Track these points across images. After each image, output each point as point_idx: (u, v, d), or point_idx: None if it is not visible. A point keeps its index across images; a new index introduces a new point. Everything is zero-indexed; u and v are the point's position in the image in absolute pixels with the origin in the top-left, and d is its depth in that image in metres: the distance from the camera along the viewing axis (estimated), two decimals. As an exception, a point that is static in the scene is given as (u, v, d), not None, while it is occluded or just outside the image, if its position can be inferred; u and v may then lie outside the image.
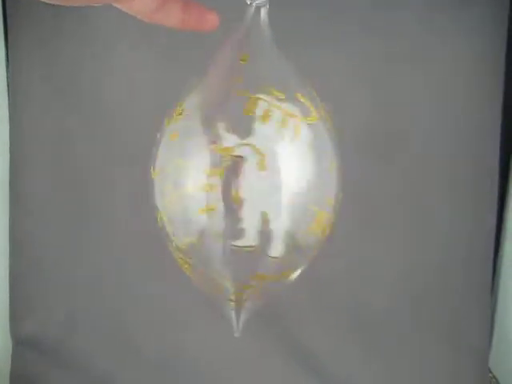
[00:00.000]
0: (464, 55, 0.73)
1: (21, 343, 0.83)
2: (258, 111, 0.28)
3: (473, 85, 0.74)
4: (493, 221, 0.77)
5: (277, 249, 0.29)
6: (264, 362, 0.81)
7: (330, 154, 0.31)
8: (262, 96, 0.28)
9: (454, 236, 0.78)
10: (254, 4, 0.31)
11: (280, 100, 0.29)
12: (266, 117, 0.28)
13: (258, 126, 0.28)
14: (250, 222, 0.28)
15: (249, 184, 0.28)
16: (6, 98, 0.79)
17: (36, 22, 0.74)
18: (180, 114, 0.31)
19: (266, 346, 0.81)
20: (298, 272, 0.34)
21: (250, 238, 0.29)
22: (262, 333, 0.79)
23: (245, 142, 0.28)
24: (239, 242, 0.29)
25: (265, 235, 0.29)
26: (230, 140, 0.28)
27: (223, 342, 0.73)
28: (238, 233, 0.29)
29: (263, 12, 0.31)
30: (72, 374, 0.82)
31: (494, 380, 0.81)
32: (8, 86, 0.78)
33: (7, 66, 0.78)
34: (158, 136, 0.33)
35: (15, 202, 0.80)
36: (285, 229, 0.29)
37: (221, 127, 0.28)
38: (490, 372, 0.82)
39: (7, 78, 0.78)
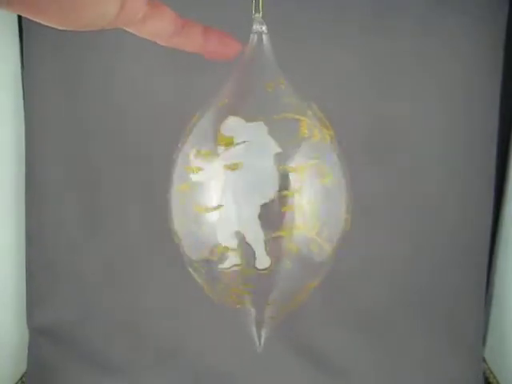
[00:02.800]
0: (463, 57, 0.74)
1: (37, 332, 0.85)
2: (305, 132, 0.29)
3: (471, 85, 0.75)
4: (489, 220, 0.79)
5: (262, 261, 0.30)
6: (274, 361, 0.82)
7: (337, 175, 0.31)
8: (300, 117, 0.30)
9: (452, 236, 0.80)
10: (256, 31, 0.31)
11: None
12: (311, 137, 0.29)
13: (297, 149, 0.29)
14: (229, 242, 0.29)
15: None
16: (21, 95, 0.80)
17: (49, 27, 0.76)
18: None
19: (270, 341, 0.82)
20: (312, 286, 0.34)
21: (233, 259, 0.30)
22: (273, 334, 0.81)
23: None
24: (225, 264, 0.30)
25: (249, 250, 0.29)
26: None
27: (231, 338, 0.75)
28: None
29: (265, 38, 0.32)
30: (86, 360, 0.85)
31: (488, 371, 0.84)
32: (23, 84, 0.80)
33: (22, 67, 0.80)
34: (174, 157, 0.33)
35: (31, 196, 0.83)
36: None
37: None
38: (485, 362, 0.85)
39: (22, 76, 0.80)
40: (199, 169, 0.29)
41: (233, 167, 0.28)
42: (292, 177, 0.28)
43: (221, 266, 0.30)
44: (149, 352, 0.85)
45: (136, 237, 0.82)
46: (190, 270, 0.34)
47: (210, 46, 0.28)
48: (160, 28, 0.26)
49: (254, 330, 0.33)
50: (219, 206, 0.29)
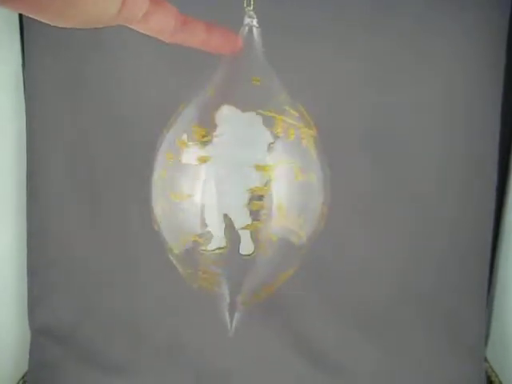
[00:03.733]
0: (464, 56, 0.74)
1: (38, 332, 0.86)
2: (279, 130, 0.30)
3: (472, 85, 0.75)
4: (490, 219, 0.79)
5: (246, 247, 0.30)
6: (266, 354, 0.83)
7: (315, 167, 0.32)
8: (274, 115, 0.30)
9: (453, 235, 0.80)
10: (247, 24, 0.32)
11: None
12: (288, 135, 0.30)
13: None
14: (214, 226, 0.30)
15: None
16: (23, 96, 0.81)
17: (51, 27, 0.76)
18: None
19: (268, 338, 0.83)
20: (289, 273, 0.35)
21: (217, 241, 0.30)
22: (264, 326, 0.81)
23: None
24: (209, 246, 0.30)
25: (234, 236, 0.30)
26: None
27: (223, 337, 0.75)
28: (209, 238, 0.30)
29: (256, 32, 0.32)
30: (87, 360, 0.85)
31: (490, 369, 0.84)
32: (24, 85, 0.80)
33: (23, 67, 0.80)
34: (158, 143, 0.34)
35: (32, 198, 0.83)
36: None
37: None
38: (487, 361, 0.85)
39: (23, 79, 0.80)
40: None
41: (202, 160, 0.29)
42: (263, 173, 0.29)
43: (204, 248, 0.31)
44: (149, 351, 0.85)
45: (135, 237, 0.83)
46: (170, 256, 0.34)
47: (213, 42, 0.29)
48: (162, 24, 0.26)
49: (226, 314, 0.34)
50: (192, 195, 0.30)
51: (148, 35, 0.26)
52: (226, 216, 0.29)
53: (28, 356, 0.86)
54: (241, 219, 0.29)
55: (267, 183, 0.29)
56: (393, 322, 0.83)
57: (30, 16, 0.21)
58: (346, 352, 0.83)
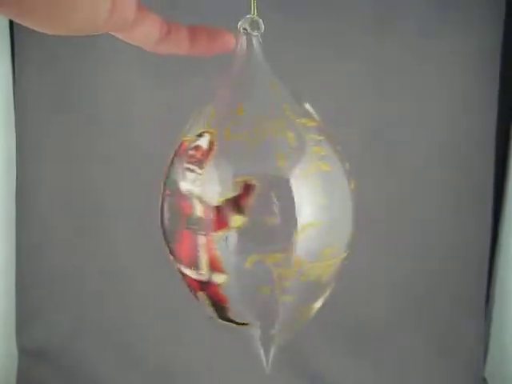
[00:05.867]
0: (462, 60, 0.73)
1: (26, 352, 0.84)
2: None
3: (470, 92, 0.75)
4: (488, 231, 0.78)
5: None
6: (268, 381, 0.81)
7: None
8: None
9: (450, 248, 0.79)
10: (247, 32, 0.31)
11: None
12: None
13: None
14: None
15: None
16: (13, 114, 0.80)
17: (41, 39, 0.75)
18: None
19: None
20: (318, 305, 0.33)
21: None
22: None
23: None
24: None
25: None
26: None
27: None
28: None
29: (255, 40, 0.31)
30: (75, 381, 0.83)
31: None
32: (14, 97, 0.79)
33: (14, 84, 0.79)
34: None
35: (21, 215, 0.81)
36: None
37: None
38: (486, 382, 0.83)
39: (14, 95, 0.79)
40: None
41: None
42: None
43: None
44: (139, 373, 0.83)
45: (128, 257, 0.81)
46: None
47: (197, 47, 0.28)
48: (146, 34, 0.26)
49: (260, 350, 0.32)
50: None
51: (139, 51, 0.26)
52: None
53: (16, 376, 0.84)
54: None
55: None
56: (390, 343, 0.81)
57: (17, 21, 0.21)
58: (342, 372, 0.82)
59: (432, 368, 0.81)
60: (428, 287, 0.80)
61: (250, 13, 0.30)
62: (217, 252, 0.28)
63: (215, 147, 0.28)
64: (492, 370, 0.83)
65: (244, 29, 0.31)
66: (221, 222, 0.27)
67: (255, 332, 0.31)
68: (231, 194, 0.27)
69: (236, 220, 0.27)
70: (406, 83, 0.75)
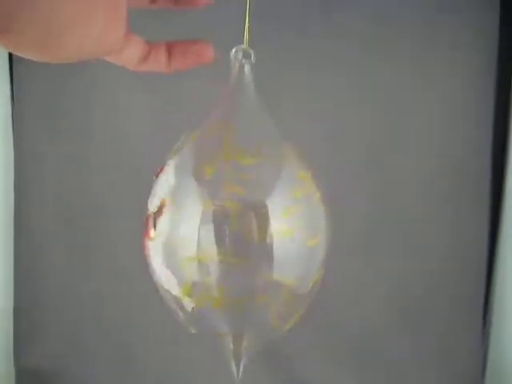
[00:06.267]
0: (460, 70, 0.75)
1: (24, 372, 0.83)
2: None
3: (467, 98, 0.76)
4: (486, 235, 0.78)
5: None
6: None
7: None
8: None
9: (449, 248, 0.79)
10: (239, 60, 0.32)
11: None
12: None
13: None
14: None
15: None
16: (12, 136, 0.81)
17: (38, 63, 0.76)
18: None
19: (262, 377, 0.80)
20: (295, 319, 0.34)
21: None
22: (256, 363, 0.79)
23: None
24: None
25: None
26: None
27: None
28: None
29: (247, 68, 0.32)
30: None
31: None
32: (12, 118, 0.81)
33: (12, 106, 0.81)
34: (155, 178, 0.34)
35: (19, 237, 0.82)
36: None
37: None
38: (484, 381, 0.81)
39: (12, 115, 0.81)
40: None
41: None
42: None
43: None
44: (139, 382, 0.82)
45: (126, 277, 0.81)
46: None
47: (174, 63, 0.29)
48: (132, 55, 0.27)
49: (232, 361, 0.33)
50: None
51: (135, 74, 0.28)
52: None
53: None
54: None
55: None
56: (389, 344, 0.80)
57: (11, 50, 0.22)
58: (342, 374, 0.81)
59: (431, 368, 0.81)
60: (427, 287, 0.79)
61: (242, 42, 0.32)
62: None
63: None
64: (491, 370, 0.82)
65: (236, 57, 0.32)
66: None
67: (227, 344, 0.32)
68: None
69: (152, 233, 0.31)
70: (404, 89, 0.76)
